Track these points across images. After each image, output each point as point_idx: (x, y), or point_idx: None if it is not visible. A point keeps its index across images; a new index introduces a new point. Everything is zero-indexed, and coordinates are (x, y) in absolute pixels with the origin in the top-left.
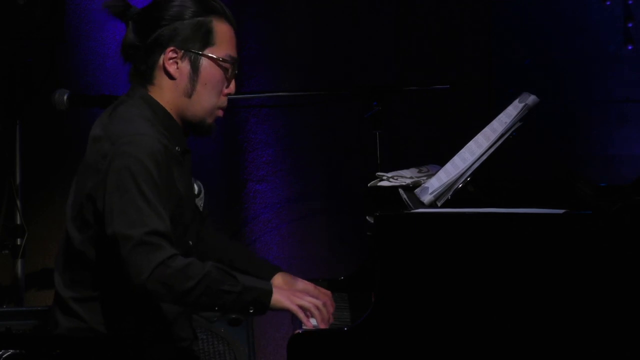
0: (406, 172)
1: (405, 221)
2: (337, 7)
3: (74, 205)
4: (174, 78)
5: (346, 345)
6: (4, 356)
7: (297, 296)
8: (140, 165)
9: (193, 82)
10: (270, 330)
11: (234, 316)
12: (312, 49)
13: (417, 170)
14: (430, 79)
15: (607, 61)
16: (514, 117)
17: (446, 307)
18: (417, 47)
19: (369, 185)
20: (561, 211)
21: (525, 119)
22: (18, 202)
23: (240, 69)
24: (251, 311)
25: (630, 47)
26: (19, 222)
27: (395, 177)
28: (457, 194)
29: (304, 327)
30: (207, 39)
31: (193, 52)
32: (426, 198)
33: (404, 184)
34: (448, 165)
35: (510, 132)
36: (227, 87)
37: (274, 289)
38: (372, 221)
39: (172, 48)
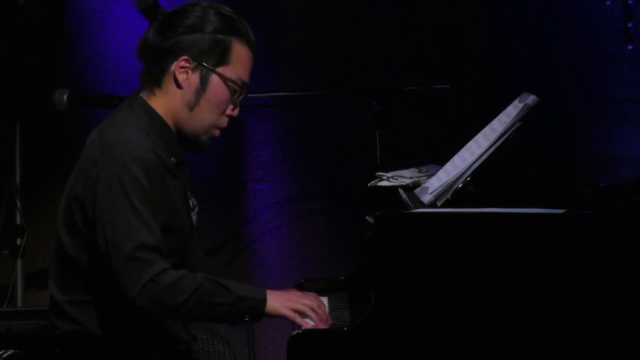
0: (406, 172)
1: (405, 221)
2: (337, 7)
3: (65, 208)
4: (181, 87)
5: (346, 345)
6: (4, 356)
7: (291, 300)
8: (130, 175)
9: (198, 95)
10: (270, 330)
11: None
12: (312, 49)
13: (417, 170)
14: (430, 79)
15: (607, 61)
16: (514, 117)
17: (446, 307)
18: (417, 47)
19: (369, 185)
20: (561, 211)
21: (525, 119)
22: (18, 202)
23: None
24: (246, 319)
25: (630, 47)
26: (19, 222)
27: (395, 177)
28: (457, 194)
29: (303, 327)
30: (223, 57)
31: (205, 66)
32: (426, 198)
33: (404, 184)
34: (448, 165)
35: (510, 132)
36: (231, 109)
37: (268, 296)
38: (372, 221)
39: (186, 57)
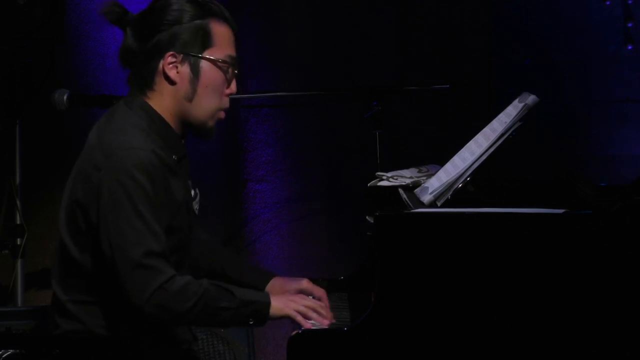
0: (406, 172)
1: (405, 221)
2: (337, 7)
3: (67, 210)
4: (175, 83)
5: (346, 345)
6: (3, 356)
7: (294, 301)
8: (134, 181)
9: (194, 85)
10: (270, 330)
11: None
12: (312, 49)
13: (417, 170)
14: (430, 79)
15: (607, 61)
16: (514, 117)
17: (446, 306)
18: (417, 47)
19: (369, 185)
20: (561, 211)
21: (525, 118)
22: (18, 202)
23: (240, 68)
24: (251, 323)
25: (630, 47)
26: (19, 222)
27: (395, 177)
28: (457, 194)
29: (305, 327)
30: (205, 41)
31: (192, 55)
32: (426, 198)
33: (403, 183)
34: (448, 165)
35: (510, 132)
36: (228, 87)
37: (272, 300)
38: (372, 221)
39: (171, 53)
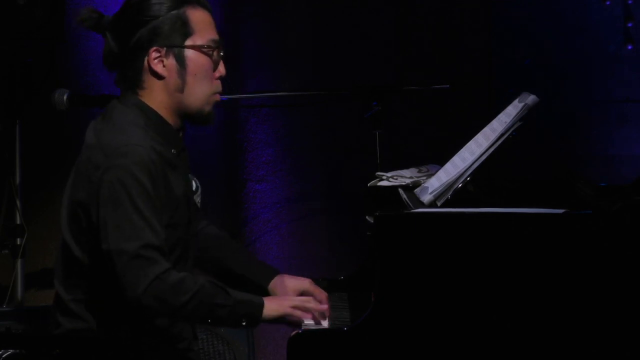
0: (406, 172)
1: (405, 221)
2: (337, 7)
3: (68, 211)
4: (163, 77)
5: (346, 345)
6: (3, 356)
7: (287, 299)
8: (133, 178)
9: (182, 76)
10: (270, 330)
11: None
12: (312, 49)
13: (417, 170)
14: (430, 79)
15: (607, 61)
16: (514, 117)
17: (446, 307)
18: (417, 47)
19: (368, 185)
20: (561, 211)
21: (525, 118)
22: (18, 202)
23: (238, 67)
24: (244, 324)
25: (630, 47)
26: (18, 222)
27: (395, 177)
28: (457, 194)
29: (303, 326)
30: (185, 31)
31: (175, 46)
32: (426, 198)
33: (403, 183)
34: (448, 165)
35: (510, 131)
36: (217, 70)
37: (265, 301)
38: (372, 221)
39: (154, 48)
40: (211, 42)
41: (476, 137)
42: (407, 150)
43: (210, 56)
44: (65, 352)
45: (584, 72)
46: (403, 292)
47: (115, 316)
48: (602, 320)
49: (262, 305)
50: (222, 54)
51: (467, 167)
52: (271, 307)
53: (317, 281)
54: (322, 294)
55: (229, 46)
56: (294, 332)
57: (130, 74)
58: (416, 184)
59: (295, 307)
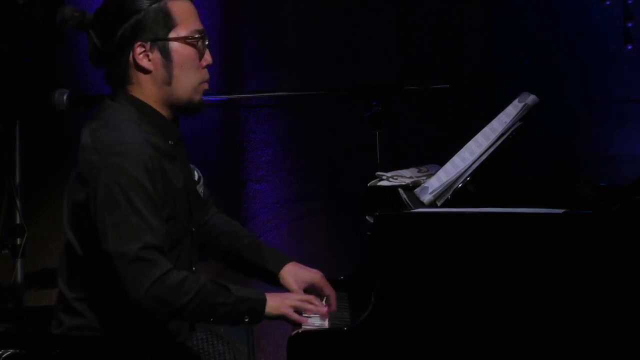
0: (406, 172)
1: (405, 221)
2: (337, 7)
3: (69, 212)
4: (149, 71)
5: (346, 345)
6: (3, 356)
7: (288, 298)
8: (129, 177)
9: (169, 69)
10: (270, 330)
11: None
12: (312, 49)
13: (417, 170)
14: (430, 79)
15: (607, 61)
16: (514, 117)
17: (446, 306)
18: (417, 47)
19: (369, 185)
20: (561, 211)
21: (525, 118)
22: (18, 202)
23: (238, 67)
24: (246, 320)
25: (630, 47)
26: (18, 222)
27: (395, 177)
28: (457, 194)
29: (303, 326)
30: (168, 23)
31: (160, 39)
32: (426, 198)
33: (403, 183)
34: (448, 165)
35: (510, 131)
36: (203, 59)
37: (267, 297)
38: (372, 221)
39: (138, 43)
40: (195, 32)
41: (476, 137)
42: (407, 150)
43: (195, 47)
44: (65, 352)
45: (584, 72)
46: (403, 292)
47: (117, 314)
48: (602, 320)
49: (264, 301)
50: (207, 42)
51: (467, 167)
52: (272, 305)
53: None
54: (330, 290)
55: (229, 46)
56: (294, 332)
57: (117, 70)
58: (416, 184)
59: (293, 308)
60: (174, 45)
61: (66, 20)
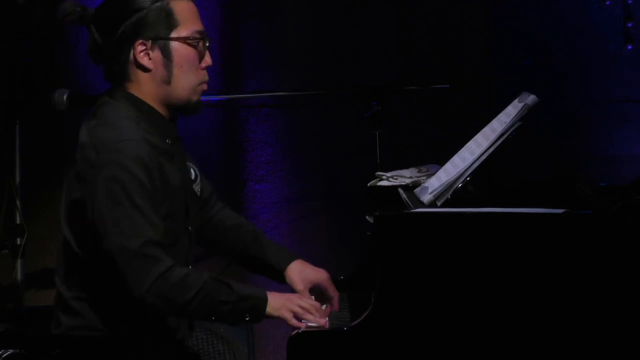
0: (406, 172)
1: (405, 221)
2: (337, 7)
3: (66, 210)
4: (149, 70)
5: (346, 345)
6: (3, 356)
7: (291, 302)
8: (128, 173)
9: (168, 68)
10: (270, 329)
11: None
12: (312, 49)
13: (416, 170)
14: (430, 79)
15: (607, 61)
16: (514, 117)
17: (446, 306)
18: (417, 47)
19: (368, 185)
20: (561, 211)
21: (525, 118)
22: (18, 202)
23: (238, 67)
24: (247, 319)
25: (630, 47)
26: (18, 222)
27: (395, 177)
28: (456, 194)
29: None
30: (170, 22)
31: (161, 38)
32: (426, 198)
33: (403, 183)
34: (448, 165)
35: (510, 131)
36: (203, 61)
37: (269, 297)
38: (372, 221)
39: (139, 41)
40: (196, 33)
41: (476, 137)
42: (407, 150)
43: (196, 47)
44: (65, 352)
45: (584, 72)
46: (403, 292)
47: (115, 313)
48: (602, 320)
49: (265, 300)
50: (207, 44)
51: (467, 167)
52: (273, 305)
53: None
54: (335, 292)
55: (229, 46)
56: (294, 332)
57: (117, 67)
58: (416, 184)
59: (292, 313)
60: (175, 45)
61: (67, 14)
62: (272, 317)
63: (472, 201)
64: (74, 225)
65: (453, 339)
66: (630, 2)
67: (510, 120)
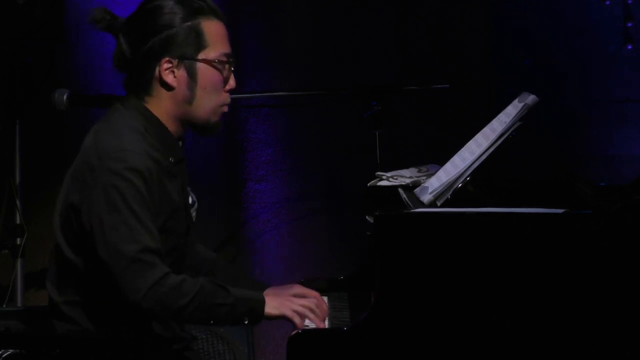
0: (406, 172)
1: (405, 221)
2: (337, 7)
3: (62, 213)
4: (173, 88)
5: (346, 345)
6: (3, 356)
7: (290, 301)
8: (127, 182)
9: (192, 88)
10: (270, 329)
11: None
12: (312, 49)
13: (416, 170)
14: (430, 79)
15: (607, 61)
16: (514, 117)
17: (446, 306)
18: (417, 47)
19: (368, 185)
20: (561, 211)
21: (525, 118)
22: (18, 202)
23: (238, 67)
24: (246, 322)
25: (630, 47)
26: (18, 222)
27: (395, 177)
28: (456, 194)
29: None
30: (199, 42)
31: (188, 58)
32: (426, 198)
33: (403, 183)
34: (448, 165)
35: (510, 131)
36: (227, 84)
37: (266, 298)
38: (372, 221)
39: (166, 58)
40: (224, 56)
41: (476, 137)
42: (407, 150)
43: (221, 70)
44: (65, 352)
45: (584, 72)
46: (403, 292)
47: (106, 319)
48: (602, 320)
49: (263, 301)
50: (233, 68)
51: (467, 167)
52: (272, 304)
53: (317, 281)
54: (313, 293)
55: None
56: (294, 332)
57: (140, 81)
58: (416, 184)
59: (295, 312)
60: (201, 66)
61: (97, 21)
62: (273, 318)
63: (472, 201)
64: (66, 228)
65: (453, 339)
66: (630, 2)
67: (510, 120)
